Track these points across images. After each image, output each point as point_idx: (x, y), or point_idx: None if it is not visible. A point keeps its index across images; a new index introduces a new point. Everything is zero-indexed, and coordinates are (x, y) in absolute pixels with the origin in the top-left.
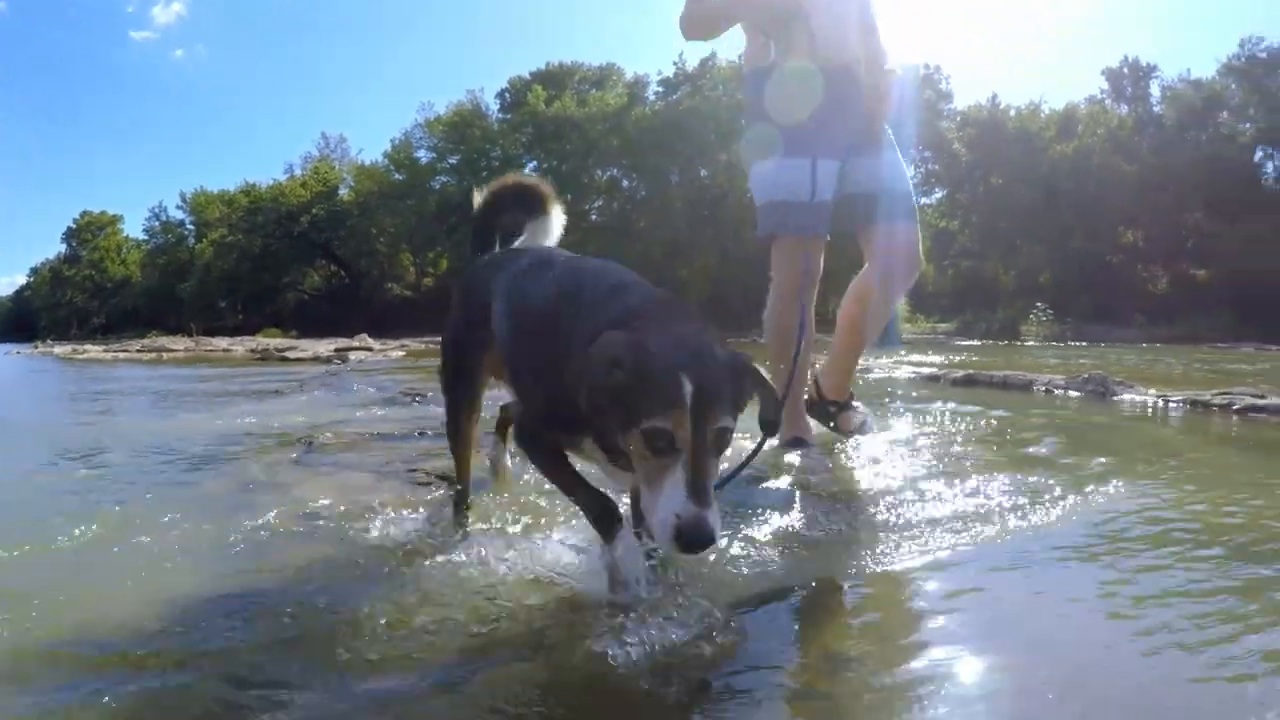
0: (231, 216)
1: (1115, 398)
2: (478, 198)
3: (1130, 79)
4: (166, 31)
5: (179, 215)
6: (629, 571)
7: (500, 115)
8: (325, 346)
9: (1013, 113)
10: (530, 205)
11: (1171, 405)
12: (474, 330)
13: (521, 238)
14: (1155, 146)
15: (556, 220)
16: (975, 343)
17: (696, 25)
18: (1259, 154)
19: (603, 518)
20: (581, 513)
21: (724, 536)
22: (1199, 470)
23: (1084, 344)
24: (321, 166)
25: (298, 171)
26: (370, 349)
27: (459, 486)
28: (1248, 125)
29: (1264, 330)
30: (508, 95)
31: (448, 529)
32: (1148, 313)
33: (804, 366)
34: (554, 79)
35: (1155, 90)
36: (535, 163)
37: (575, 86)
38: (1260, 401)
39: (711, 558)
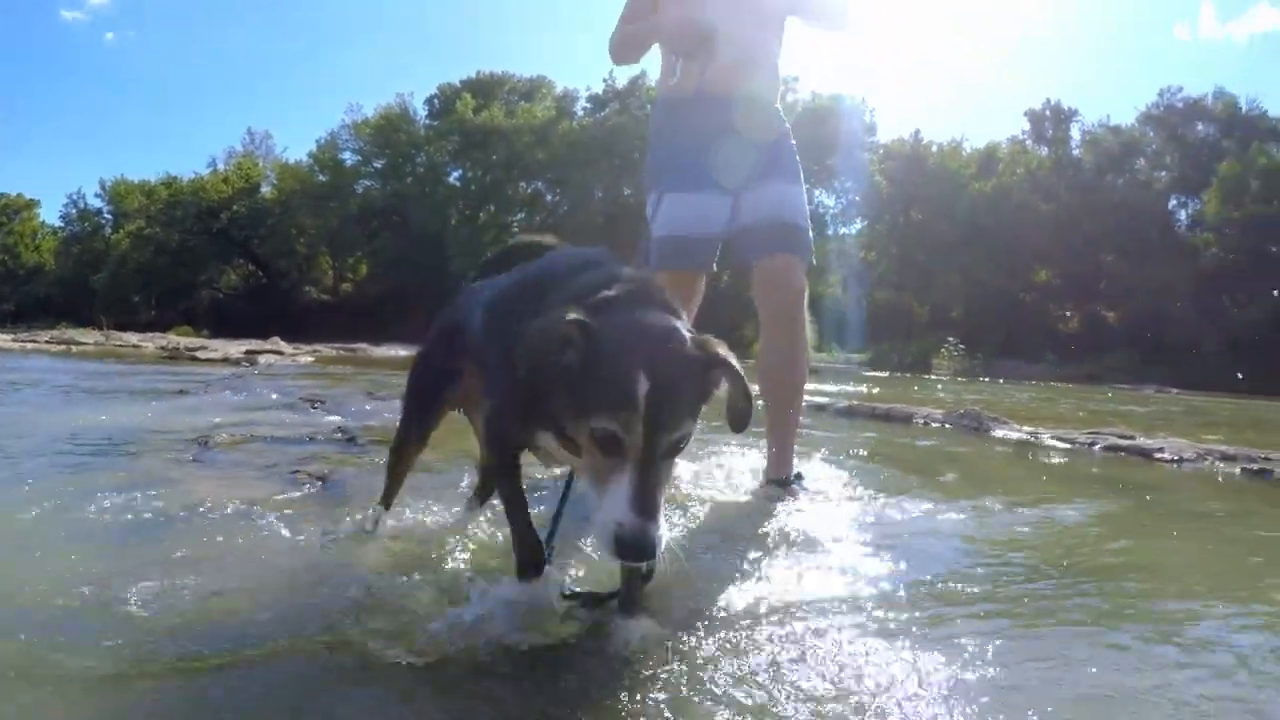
0: (150, 208)
1: (989, 432)
2: (497, 251)
3: (1052, 121)
4: (99, 13)
5: (97, 204)
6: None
7: (428, 121)
8: (236, 348)
9: (935, 149)
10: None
11: (1042, 441)
12: (441, 355)
13: None
14: (1073, 188)
15: None
16: (884, 374)
17: (621, 50)
18: (1173, 201)
19: (527, 564)
20: (512, 542)
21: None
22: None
23: (990, 379)
24: (245, 162)
25: (221, 166)
26: (281, 353)
27: (380, 505)
28: (1163, 173)
29: (1169, 373)
30: (437, 102)
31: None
32: (1057, 350)
33: None
34: (484, 88)
35: (1076, 134)
36: (461, 171)
37: (504, 97)
38: (1123, 442)
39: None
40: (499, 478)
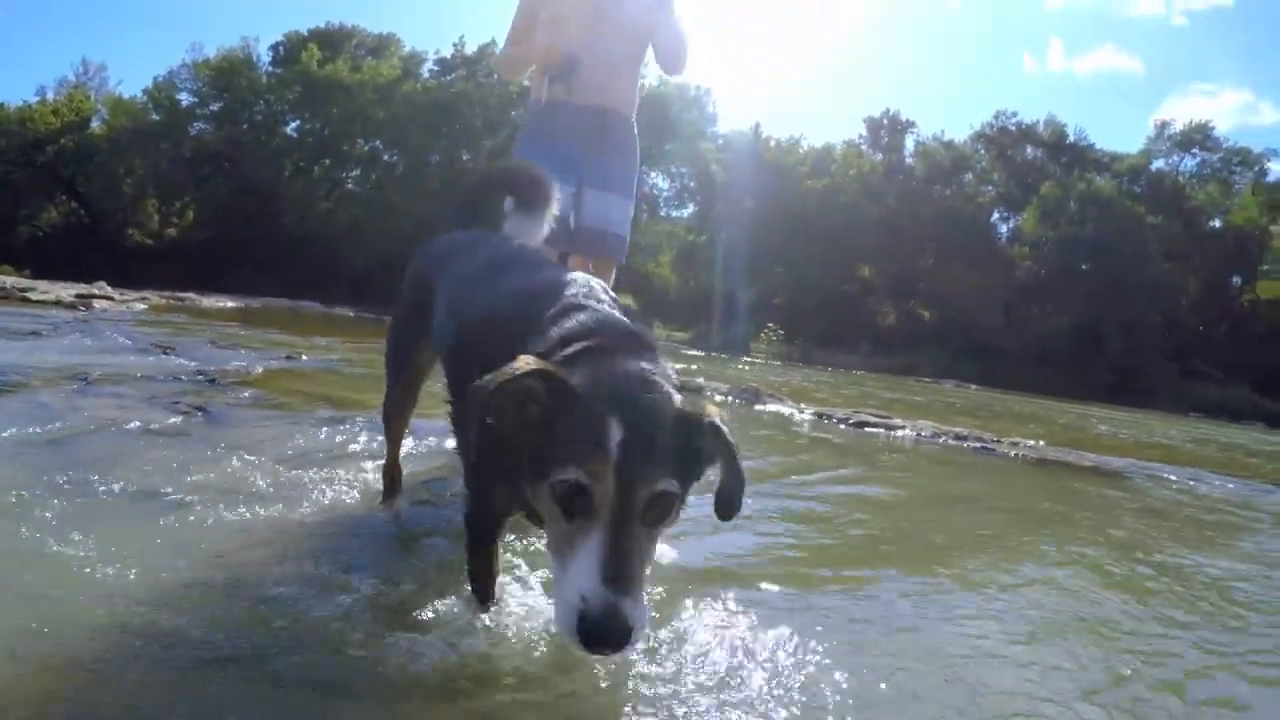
0: None
1: (760, 406)
2: (480, 174)
3: (888, 130)
4: None
5: None
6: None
7: (271, 69)
8: (65, 291)
9: (773, 143)
10: (529, 196)
11: (801, 414)
12: (416, 319)
13: (506, 225)
14: (901, 194)
15: (547, 220)
16: (701, 353)
17: (505, 69)
18: (996, 215)
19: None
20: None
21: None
22: None
23: (806, 365)
24: (77, 94)
25: (51, 96)
26: (112, 298)
27: (388, 468)
28: (989, 188)
29: (977, 371)
30: (282, 49)
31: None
32: (873, 342)
33: None
34: (331, 40)
35: (910, 144)
36: (299, 122)
37: (351, 51)
38: (871, 417)
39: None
40: (474, 543)
